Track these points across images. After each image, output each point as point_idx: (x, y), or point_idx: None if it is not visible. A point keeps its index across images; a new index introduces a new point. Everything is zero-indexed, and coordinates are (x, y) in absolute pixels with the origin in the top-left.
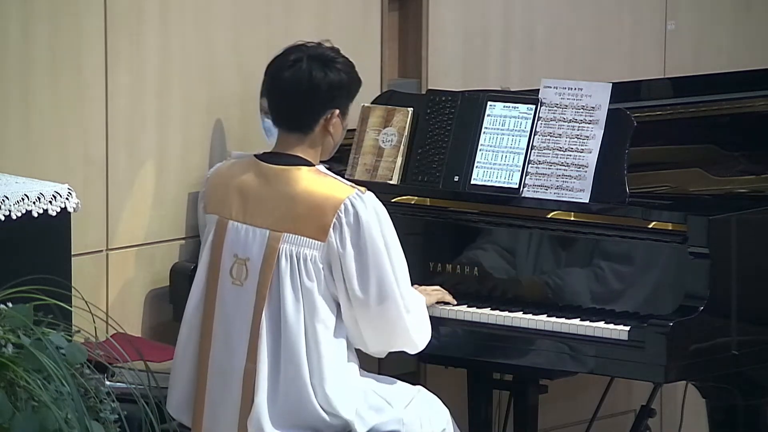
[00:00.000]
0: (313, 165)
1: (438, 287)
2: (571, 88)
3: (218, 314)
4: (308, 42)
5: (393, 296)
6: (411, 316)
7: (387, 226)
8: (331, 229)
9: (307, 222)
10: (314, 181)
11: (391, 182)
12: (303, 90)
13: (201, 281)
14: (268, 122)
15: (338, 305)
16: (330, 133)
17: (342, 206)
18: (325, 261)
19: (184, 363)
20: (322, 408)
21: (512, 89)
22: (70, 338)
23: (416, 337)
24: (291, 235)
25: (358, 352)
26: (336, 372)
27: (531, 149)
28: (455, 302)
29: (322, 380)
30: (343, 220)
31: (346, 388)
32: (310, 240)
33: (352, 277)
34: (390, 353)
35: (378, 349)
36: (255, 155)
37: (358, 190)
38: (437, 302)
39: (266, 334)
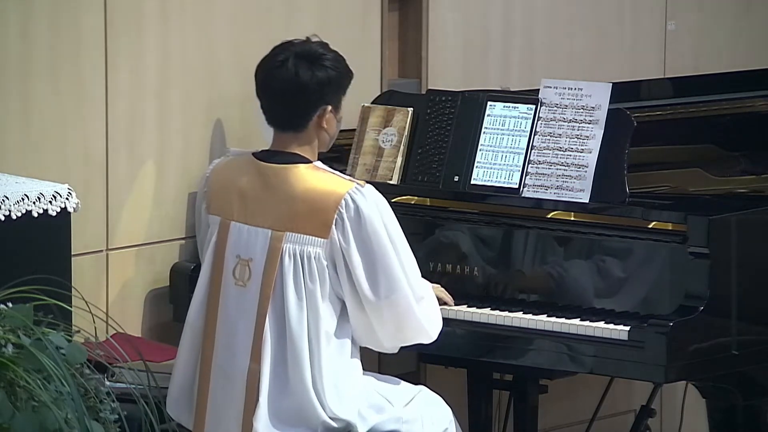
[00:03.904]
0: (311, 162)
1: (438, 285)
2: (571, 88)
3: (221, 315)
4: (295, 39)
5: (402, 287)
6: (422, 305)
7: (389, 217)
8: (333, 226)
9: (308, 220)
10: (313, 178)
11: (391, 182)
12: (291, 90)
13: (204, 283)
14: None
15: (342, 306)
16: (324, 129)
17: (342, 201)
18: (329, 258)
19: (188, 364)
20: (324, 410)
21: (512, 89)
22: (70, 338)
23: (428, 327)
24: (293, 234)
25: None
26: (338, 375)
27: (531, 149)
28: (452, 303)
29: (323, 384)
30: (345, 215)
31: (348, 391)
32: (313, 238)
33: (359, 273)
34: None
35: (391, 344)
36: (253, 153)
37: (358, 183)
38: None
39: (270, 335)
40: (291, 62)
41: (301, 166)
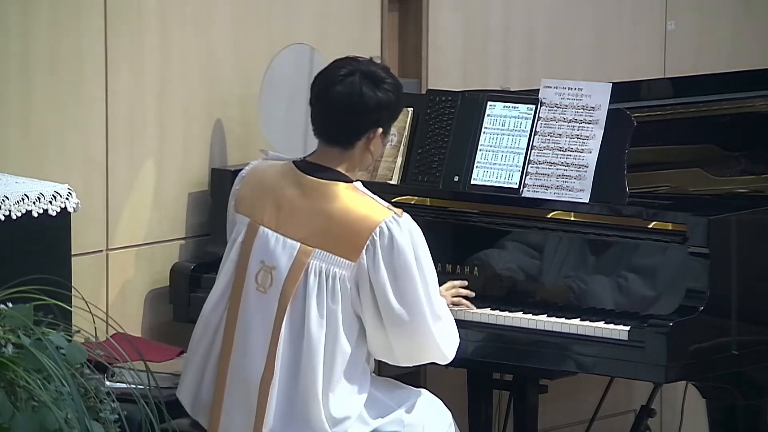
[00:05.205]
0: (351, 181)
1: (450, 284)
2: (571, 88)
3: (240, 318)
4: (359, 57)
5: (422, 312)
6: (438, 326)
7: (421, 248)
8: (363, 251)
9: (340, 240)
10: (352, 199)
11: (391, 182)
12: (352, 106)
13: (224, 281)
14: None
15: (360, 324)
16: (370, 151)
17: (378, 229)
18: (353, 281)
19: (195, 357)
20: (328, 422)
21: (512, 89)
22: (70, 338)
23: (444, 348)
24: (322, 251)
25: None
26: (345, 392)
27: (531, 149)
28: (472, 297)
29: (332, 399)
30: (378, 243)
31: (353, 405)
32: (341, 259)
33: (384, 299)
34: None
35: (407, 362)
36: (294, 162)
37: (395, 212)
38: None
39: (285, 345)
40: (357, 78)
41: (341, 185)
